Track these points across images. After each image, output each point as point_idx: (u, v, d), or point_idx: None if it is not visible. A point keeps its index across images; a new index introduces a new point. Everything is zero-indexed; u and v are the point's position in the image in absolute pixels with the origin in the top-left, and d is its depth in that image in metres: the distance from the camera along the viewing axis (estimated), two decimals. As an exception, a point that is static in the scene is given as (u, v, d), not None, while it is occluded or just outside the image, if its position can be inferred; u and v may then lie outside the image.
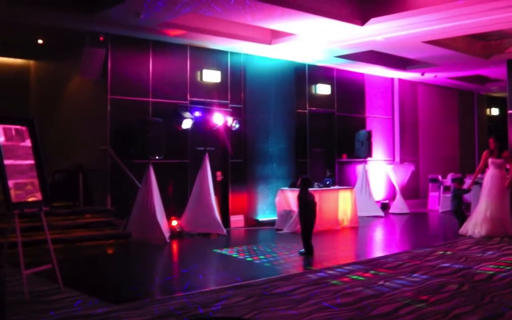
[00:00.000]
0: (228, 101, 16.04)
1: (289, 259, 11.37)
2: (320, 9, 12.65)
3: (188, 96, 15.25)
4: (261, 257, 11.46)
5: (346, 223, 16.04)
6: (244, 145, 16.44)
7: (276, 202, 15.82)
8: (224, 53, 16.04)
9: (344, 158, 19.34)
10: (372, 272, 9.70)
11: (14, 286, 8.33)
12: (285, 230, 15.08)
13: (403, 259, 10.95)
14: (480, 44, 17.36)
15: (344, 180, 19.02)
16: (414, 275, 9.40)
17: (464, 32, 14.84)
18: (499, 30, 15.63)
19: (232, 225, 15.98)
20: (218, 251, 12.28)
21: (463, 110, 25.05)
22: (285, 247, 12.76)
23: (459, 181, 15.25)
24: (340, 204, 15.90)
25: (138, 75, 14.40)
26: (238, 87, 16.35)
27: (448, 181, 20.56)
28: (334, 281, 8.97)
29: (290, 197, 15.25)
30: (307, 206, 11.78)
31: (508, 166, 14.31)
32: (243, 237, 14.78)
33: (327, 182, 16.27)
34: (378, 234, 15.71)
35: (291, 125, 17.63)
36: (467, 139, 25.25)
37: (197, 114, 14.66)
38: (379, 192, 20.31)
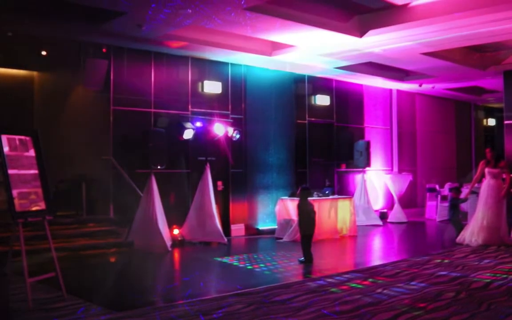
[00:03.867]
0: (229, 112, 16.17)
1: (289, 267, 11.44)
2: (319, 21, 12.76)
3: (190, 107, 15.37)
4: (261, 265, 11.52)
5: (345, 232, 16.13)
6: (245, 155, 16.57)
7: (276, 211, 15.92)
8: (225, 64, 16.20)
9: (343, 168, 19.47)
10: (370, 280, 9.75)
11: (18, 294, 8.40)
12: (285, 239, 15.12)
13: (401, 267, 11.00)
14: (477, 56, 17.43)
15: (343, 190, 19.13)
16: (412, 283, 9.47)
17: (461, 44, 14.92)
18: (495, 42, 15.71)
19: (233, 234, 16.05)
20: (219, 259, 12.35)
21: (460, 121, 25.13)
22: (285, 255, 12.82)
23: (456, 190, 15.28)
24: (339, 213, 16.00)
25: (140, 86, 14.53)
26: (238, 98, 16.49)
27: (445, 190, 20.52)
28: (333, 289, 9.04)
29: (290, 206, 15.31)
30: (306, 215, 11.87)
31: (504, 176, 14.35)
32: (244, 246, 14.82)
33: (326, 192, 16.35)
34: (377, 243, 15.78)
35: (291, 135, 17.77)
36: (464, 149, 25.32)
37: (198, 124, 14.75)
38: (377, 202, 20.42)
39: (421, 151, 22.80)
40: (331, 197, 16.29)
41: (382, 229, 17.92)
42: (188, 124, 14.45)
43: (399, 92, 21.63)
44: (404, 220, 19.61)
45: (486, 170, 14.33)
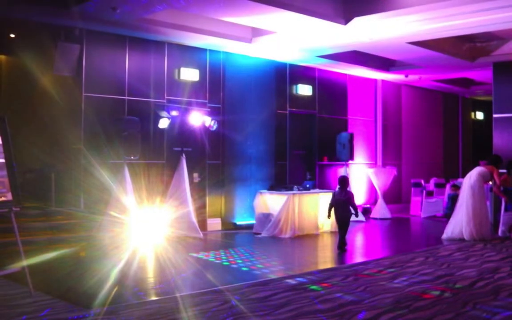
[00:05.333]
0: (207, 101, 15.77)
1: (267, 264, 11.16)
2: (302, 7, 12.43)
3: (165, 95, 14.94)
4: (239, 261, 11.30)
5: (326, 227, 15.73)
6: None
7: (254, 205, 15.63)
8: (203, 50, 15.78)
9: (325, 160, 19.02)
10: (352, 278, 9.55)
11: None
12: (263, 234, 14.88)
13: (384, 264, 10.82)
14: (466, 46, 17.18)
15: (324, 183, 18.71)
16: (395, 281, 9.26)
17: (450, 33, 14.65)
18: (485, 33, 15.43)
19: (209, 228, 15.69)
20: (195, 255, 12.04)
21: (447, 113, 24.88)
22: (264, 251, 12.61)
23: (455, 187, 15.90)
24: (320, 208, 15.56)
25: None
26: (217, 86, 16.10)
27: (431, 185, 20.42)
28: (313, 287, 8.88)
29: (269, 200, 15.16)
30: (336, 205, 12.62)
31: (504, 178, 14.76)
32: (220, 241, 14.53)
33: (307, 185, 16.00)
34: (359, 239, 15.45)
35: (271, 125, 17.43)
36: (451, 143, 25.06)
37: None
38: (360, 197, 19.97)
39: (406, 145, 22.52)
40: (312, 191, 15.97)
41: (365, 225, 17.57)
42: (164, 113, 14.03)
43: (384, 82, 21.30)
44: (388, 216, 19.22)
45: (478, 168, 14.55)
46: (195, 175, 15.30)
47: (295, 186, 15.58)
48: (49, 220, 12.77)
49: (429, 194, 20.38)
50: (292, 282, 9.26)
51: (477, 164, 15.42)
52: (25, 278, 8.24)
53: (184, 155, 14.37)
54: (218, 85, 16.05)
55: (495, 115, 17.87)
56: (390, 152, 21.61)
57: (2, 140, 8.48)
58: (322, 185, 18.24)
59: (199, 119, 14.77)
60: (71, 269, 10.46)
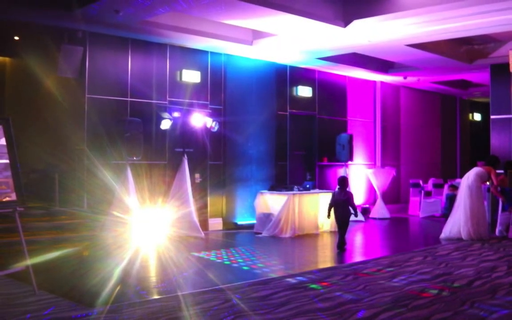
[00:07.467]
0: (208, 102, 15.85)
1: (268, 263, 11.19)
2: (303, 10, 12.50)
3: (167, 96, 15.02)
4: (240, 260, 11.31)
5: (326, 227, 15.83)
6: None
7: (255, 205, 15.70)
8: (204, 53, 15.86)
9: (325, 161, 19.12)
10: (351, 277, 9.55)
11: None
12: (264, 234, 14.93)
13: (383, 263, 10.83)
14: (464, 49, 17.27)
15: (324, 184, 18.82)
16: (394, 280, 9.27)
17: (448, 36, 14.70)
18: (483, 35, 15.50)
19: (210, 228, 15.76)
20: (196, 254, 12.07)
21: (445, 115, 24.94)
22: (264, 251, 12.62)
23: (453, 187, 16.06)
24: (320, 208, 15.67)
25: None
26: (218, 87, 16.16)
27: (429, 186, 20.50)
28: (313, 285, 8.87)
29: (269, 200, 15.23)
30: (336, 205, 12.68)
31: (502, 178, 14.93)
32: (221, 240, 14.55)
33: (307, 186, 16.09)
34: (358, 239, 15.50)
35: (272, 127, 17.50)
36: (449, 144, 25.12)
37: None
38: (359, 197, 20.08)
39: (405, 145, 22.54)
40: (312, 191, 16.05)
41: (364, 225, 17.62)
42: (166, 114, 14.11)
43: (383, 84, 21.34)
44: (387, 216, 19.32)
45: (476, 169, 14.60)
46: (197, 175, 15.38)
47: (295, 186, 15.62)
48: (53, 220, 12.76)
49: (428, 194, 20.44)
50: (292, 281, 9.26)
51: (475, 165, 15.41)
52: (29, 277, 8.25)
53: (186, 155, 14.44)
54: (219, 87, 16.12)
55: (492, 117, 17.93)
56: (389, 153, 21.68)
57: (7, 141, 8.49)
58: (322, 186, 18.33)
59: (200, 120, 14.84)
60: (74, 268, 10.50)
